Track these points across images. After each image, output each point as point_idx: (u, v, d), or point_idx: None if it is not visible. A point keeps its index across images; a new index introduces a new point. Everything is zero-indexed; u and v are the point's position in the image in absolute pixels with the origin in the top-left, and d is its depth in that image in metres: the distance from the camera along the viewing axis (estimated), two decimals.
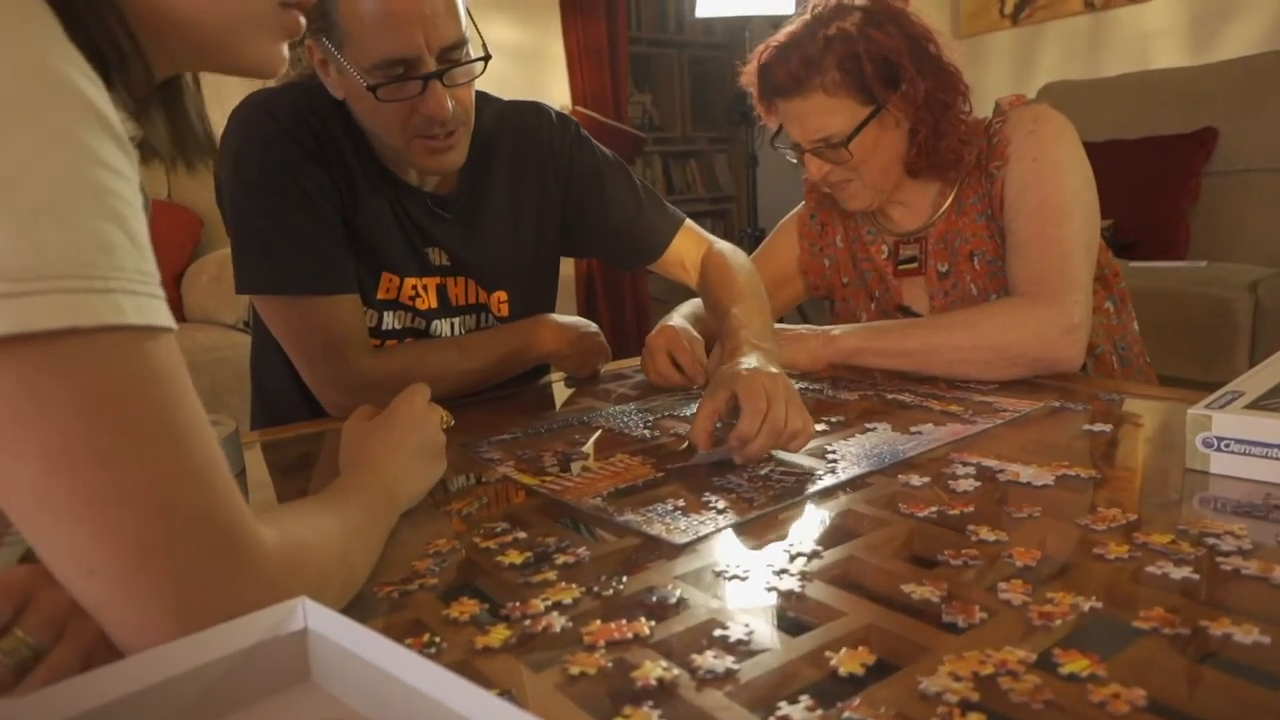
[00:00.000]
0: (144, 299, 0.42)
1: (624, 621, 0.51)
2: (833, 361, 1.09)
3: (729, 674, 0.45)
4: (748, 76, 1.17)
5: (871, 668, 0.45)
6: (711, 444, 0.79)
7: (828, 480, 0.73)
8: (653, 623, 0.50)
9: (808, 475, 0.75)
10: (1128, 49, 3.31)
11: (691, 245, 1.16)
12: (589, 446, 0.85)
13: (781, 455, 0.80)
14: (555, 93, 3.70)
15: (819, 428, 0.89)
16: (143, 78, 0.51)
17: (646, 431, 0.92)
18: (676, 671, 0.45)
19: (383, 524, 0.64)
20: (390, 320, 1.08)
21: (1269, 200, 2.68)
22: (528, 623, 0.51)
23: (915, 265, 1.18)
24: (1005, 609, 0.51)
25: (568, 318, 1.18)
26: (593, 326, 1.21)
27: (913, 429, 0.86)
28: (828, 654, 0.47)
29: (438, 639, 0.50)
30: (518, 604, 0.54)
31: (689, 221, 1.18)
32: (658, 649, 0.48)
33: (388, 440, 0.72)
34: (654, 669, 0.46)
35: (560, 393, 1.18)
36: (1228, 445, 0.70)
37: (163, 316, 0.43)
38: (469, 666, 0.48)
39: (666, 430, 0.92)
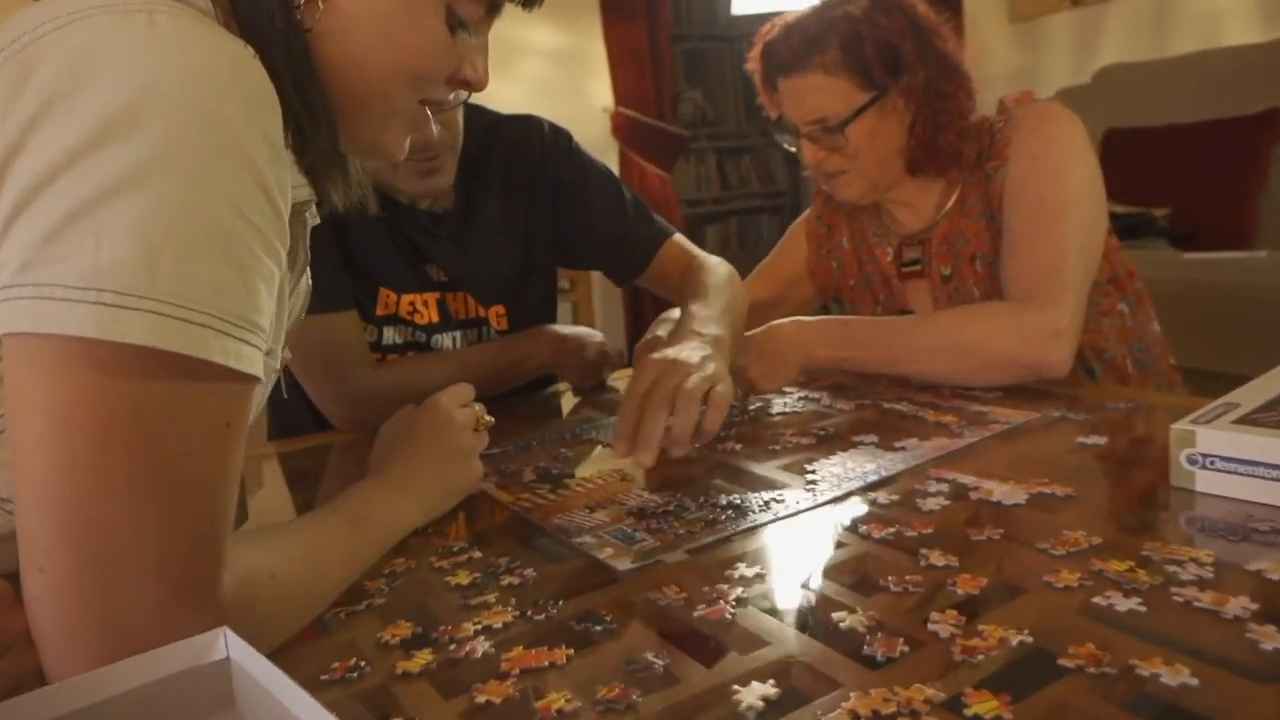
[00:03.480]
0: (234, 342, 0.44)
1: (545, 649, 0.51)
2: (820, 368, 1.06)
3: (629, 707, 0.45)
4: (753, 60, 1.16)
5: (774, 702, 0.45)
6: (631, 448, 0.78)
7: (803, 503, 0.71)
8: (571, 651, 0.51)
9: (779, 500, 0.73)
10: (1195, 26, 3.16)
11: (678, 258, 1.14)
12: (587, 465, 0.85)
13: (759, 471, 0.79)
14: (597, 94, 3.71)
15: (806, 441, 0.88)
16: (330, 142, 0.55)
17: None
18: (579, 703, 0.46)
19: (373, 546, 0.64)
20: (391, 335, 1.10)
21: None
22: (453, 647, 0.52)
23: (918, 268, 1.15)
24: (931, 641, 0.49)
25: (570, 328, 1.19)
26: (597, 335, 1.21)
27: (897, 444, 0.84)
28: (735, 687, 0.46)
29: (362, 663, 0.51)
30: (449, 627, 0.55)
31: (678, 235, 1.17)
32: (569, 678, 0.48)
33: (407, 450, 0.72)
34: (558, 700, 0.46)
35: (567, 402, 1.19)
36: (1213, 462, 0.67)
37: (247, 364, 0.44)
38: (386, 692, 0.49)
39: None
